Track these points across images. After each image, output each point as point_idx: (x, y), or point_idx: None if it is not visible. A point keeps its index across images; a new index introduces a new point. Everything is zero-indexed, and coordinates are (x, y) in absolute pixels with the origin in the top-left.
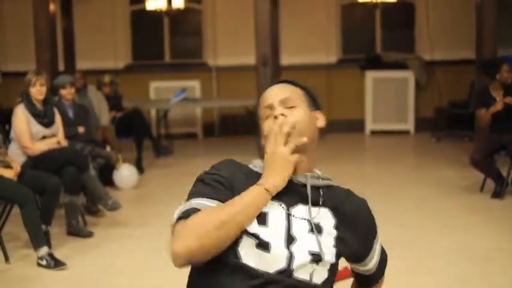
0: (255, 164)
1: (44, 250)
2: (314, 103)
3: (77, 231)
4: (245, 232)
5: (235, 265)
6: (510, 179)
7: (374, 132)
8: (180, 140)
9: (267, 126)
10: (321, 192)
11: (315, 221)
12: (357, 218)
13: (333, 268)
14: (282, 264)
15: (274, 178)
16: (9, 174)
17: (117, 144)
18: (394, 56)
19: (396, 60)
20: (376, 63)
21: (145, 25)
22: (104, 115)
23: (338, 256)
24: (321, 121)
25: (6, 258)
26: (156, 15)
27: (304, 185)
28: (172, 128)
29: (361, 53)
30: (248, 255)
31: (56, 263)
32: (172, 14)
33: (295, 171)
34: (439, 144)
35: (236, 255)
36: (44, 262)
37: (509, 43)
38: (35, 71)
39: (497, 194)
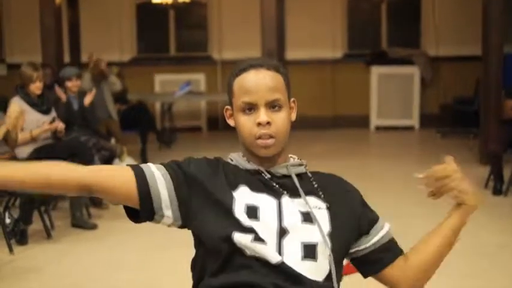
0: (232, 157)
1: (26, 226)
2: (288, 89)
3: (81, 223)
4: (239, 227)
5: (247, 260)
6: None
7: (379, 128)
8: (184, 133)
9: (246, 124)
10: (309, 175)
11: (306, 209)
12: (346, 198)
13: (337, 261)
14: (276, 258)
15: None
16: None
17: (121, 136)
18: (400, 51)
19: (402, 55)
20: (382, 59)
21: (150, 18)
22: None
23: (335, 244)
24: (294, 113)
25: (11, 250)
26: (162, 8)
27: (285, 176)
28: (176, 121)
29: (367, 48)
30: (248, 249)
31: (20, 238)
32: (178, 7)
33: (273, 164)
34: (443, 141)
35: (241, 253)
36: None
37: None
38: (32, 66)
39: (498, 191)
